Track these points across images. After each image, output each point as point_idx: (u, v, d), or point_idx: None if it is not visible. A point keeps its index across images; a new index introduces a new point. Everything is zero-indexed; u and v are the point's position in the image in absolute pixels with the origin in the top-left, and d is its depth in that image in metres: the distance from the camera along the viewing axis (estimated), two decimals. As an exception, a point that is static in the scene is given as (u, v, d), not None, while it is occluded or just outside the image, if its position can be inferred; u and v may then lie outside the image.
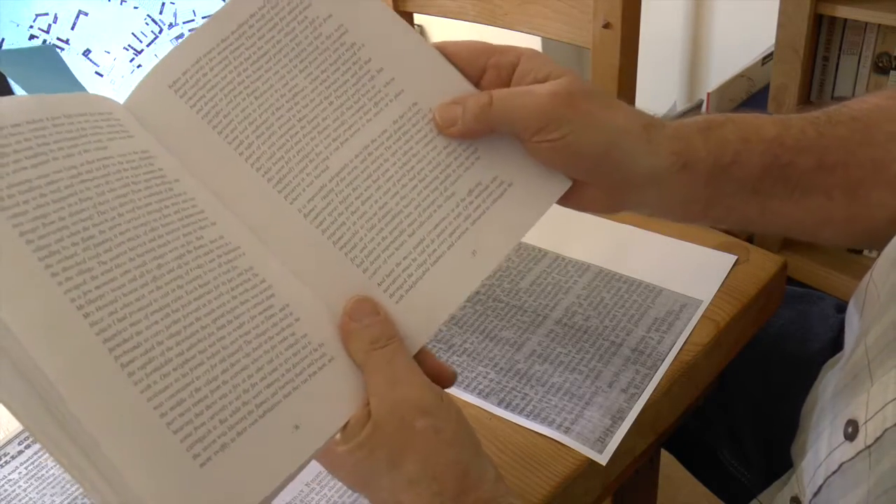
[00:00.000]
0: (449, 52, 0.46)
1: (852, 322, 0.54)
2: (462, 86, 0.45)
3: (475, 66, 0.46)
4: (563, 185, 0.45)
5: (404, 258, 0.42)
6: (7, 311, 0.32)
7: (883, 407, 0.42)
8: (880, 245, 0.49)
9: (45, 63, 0.70)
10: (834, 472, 0.45)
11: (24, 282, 0.33)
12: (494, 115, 0.43)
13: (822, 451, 0.47)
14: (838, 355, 0.57)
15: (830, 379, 0.52)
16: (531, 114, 0.43)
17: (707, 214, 0.48)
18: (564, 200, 0.46)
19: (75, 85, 0.71)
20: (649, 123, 0.45)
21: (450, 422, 0.38)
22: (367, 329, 0.39)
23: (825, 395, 0.52)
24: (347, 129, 0.43)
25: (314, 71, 0.44)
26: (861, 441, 0.43)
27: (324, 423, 0.37)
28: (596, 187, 0.46)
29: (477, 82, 0.46)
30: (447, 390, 0.41)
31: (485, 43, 0.47)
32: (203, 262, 0.37)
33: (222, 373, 0.35)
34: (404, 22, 0.46)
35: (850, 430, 0.44)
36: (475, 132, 0.44)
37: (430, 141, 0.44)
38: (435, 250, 0.42)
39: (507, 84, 0.45)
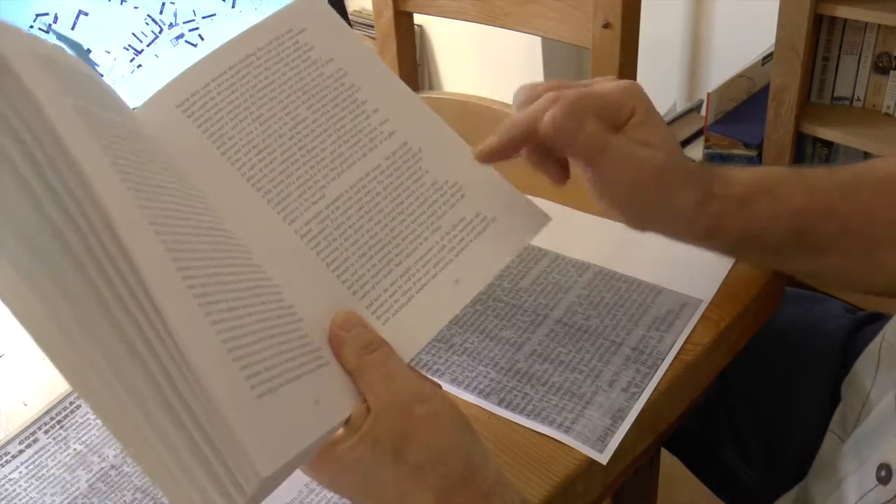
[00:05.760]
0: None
1: (863, 381, 0.54)
2: (446, 131, 0.49)
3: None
4: (543, 221, 0.49)
5: (391, 285, 0.44)
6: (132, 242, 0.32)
7: None
8: None
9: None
10: None
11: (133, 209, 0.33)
12: (605, 160, 0.47)
13: (850, 494, 0.48)
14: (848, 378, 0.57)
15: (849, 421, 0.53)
16: (626, 177, 0.48)
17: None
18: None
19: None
20: (702, 201, 0.48)
21: (447, 408, 0.40)
22: (357, 336, 0.41)
23: (846, 441, 0.52)
24: (344, 161, 0.46)
25: (315, 104, 0.47)
26: None
27: (335, 406, 0.38)
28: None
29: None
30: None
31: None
32: (229, 247, 0.39)
33: (260, 330, 0.36)
34: (393, 73, 0.50)
35: (882, 473, 0.45)
36: (579, 161, 0.49)
37: (418, 178, 0.47)
38: (420, 279, 0.45)
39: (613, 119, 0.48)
